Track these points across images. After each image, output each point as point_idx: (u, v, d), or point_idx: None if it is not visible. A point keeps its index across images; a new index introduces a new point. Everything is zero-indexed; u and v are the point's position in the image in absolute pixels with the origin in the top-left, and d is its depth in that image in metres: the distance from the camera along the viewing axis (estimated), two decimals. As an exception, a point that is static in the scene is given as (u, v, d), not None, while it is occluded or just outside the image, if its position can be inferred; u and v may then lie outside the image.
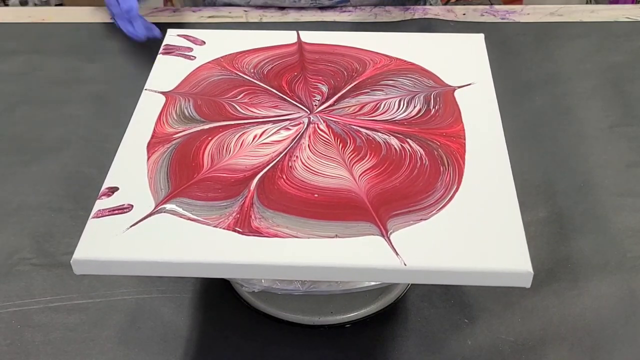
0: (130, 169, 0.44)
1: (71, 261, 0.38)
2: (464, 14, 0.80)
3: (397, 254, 0.38)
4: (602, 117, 0.65)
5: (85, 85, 0.70)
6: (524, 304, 0.49)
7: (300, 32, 0.57)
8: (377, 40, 0.56)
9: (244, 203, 0.41)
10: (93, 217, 0.41)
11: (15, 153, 0.63)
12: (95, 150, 0.62)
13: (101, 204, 0.42)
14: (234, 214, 0.40)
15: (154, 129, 0.47)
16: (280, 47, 0.56)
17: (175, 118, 0.48)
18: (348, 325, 0.48)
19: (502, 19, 0.79)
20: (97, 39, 0.77)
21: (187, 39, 0.56)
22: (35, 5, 1.59)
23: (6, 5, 1.59)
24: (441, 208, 0.41)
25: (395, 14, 0.80)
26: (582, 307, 0.49)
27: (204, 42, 0.56)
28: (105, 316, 0.49)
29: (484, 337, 0.47)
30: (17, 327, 0.48)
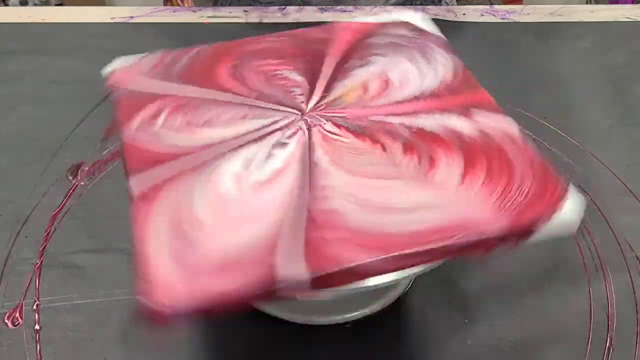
0: None
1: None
2: (464, 14, 0.80)
3: None
4: (602, 117, 0.65)
5: (85, 85, 0.70)
6: (524, 304, 0.49)
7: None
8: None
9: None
10: None
11: (15, 153, 0.63)
12: (95, 150, 0.62)
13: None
14: None
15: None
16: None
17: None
18: (348, 325, 0.48)
19: (502, 19, 0.79)
20: (97, 39, 0.77)
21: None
22: (35, 5, 1.59)
23: (6, 5, 1.59)
24: None
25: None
26: (582, 307, 0.49)
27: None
28: (105, 316, 0.49)
29: (484, 337, 0.47)
30: (17, 327, 0.48)
